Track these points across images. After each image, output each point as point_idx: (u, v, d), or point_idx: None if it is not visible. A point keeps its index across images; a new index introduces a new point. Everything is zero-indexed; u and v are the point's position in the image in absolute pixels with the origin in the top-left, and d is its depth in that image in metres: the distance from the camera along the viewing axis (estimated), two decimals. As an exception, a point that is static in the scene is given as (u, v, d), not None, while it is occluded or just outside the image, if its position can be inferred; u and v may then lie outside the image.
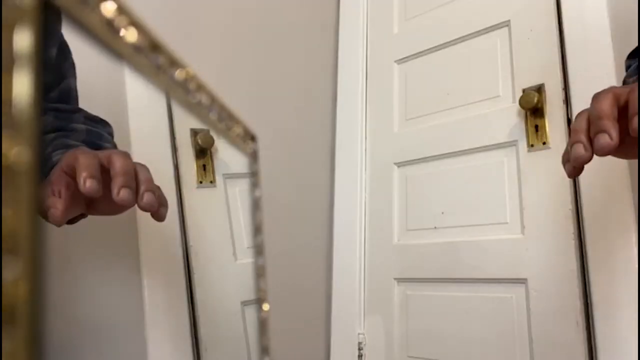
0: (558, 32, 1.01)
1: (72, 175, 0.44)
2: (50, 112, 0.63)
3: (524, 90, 1.03)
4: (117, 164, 0.43)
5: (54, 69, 0.66)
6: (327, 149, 1.38)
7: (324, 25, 1.42)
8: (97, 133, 0.65)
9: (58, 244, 0.85)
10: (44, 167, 0.49)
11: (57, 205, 0.43)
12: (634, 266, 0.86)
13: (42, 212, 0.42)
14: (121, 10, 0.21)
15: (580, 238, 0.94)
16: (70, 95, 0.68)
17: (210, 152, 1.08)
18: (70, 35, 0.64)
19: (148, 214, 0.50)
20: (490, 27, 1.12)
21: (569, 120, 0.97)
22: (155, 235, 0.97)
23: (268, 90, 1.25)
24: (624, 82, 0.70)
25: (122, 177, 0.43)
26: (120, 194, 0.42)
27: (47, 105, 0.62)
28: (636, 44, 0.68)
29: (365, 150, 1.32)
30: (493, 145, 1.08)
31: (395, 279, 1.22)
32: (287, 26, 1.32)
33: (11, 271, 0.13)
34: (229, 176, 1.11)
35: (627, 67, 0.70)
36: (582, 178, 0.92)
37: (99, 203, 0.49)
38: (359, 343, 1.24)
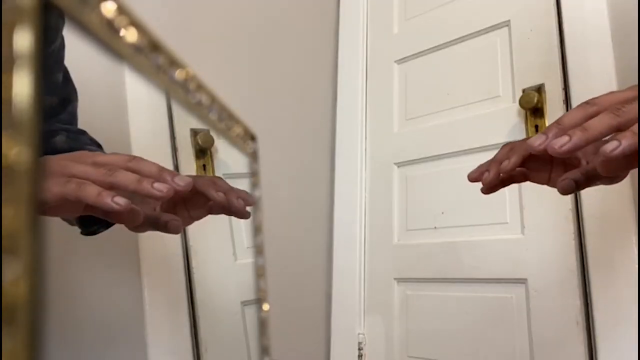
0: (558, 32, 1.01)
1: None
2: (63, 133, 0.66)
3: (524, 90, 1.03)
4: (224, 185, 0.58)
5: (61, 93, 0.69)
6: (327, 149, 1.38)
7: (324, 25, 1.42)
8: None
9: (58, 244, 0.85)
10: None
11: (176, 217, 0.54)
12: (634, 266, 0.86)
13: (159, 227, 0.53)
14: (121, 10, 0.21)
15: (580, 238, 0.94)
16: (75, 118, 0.72)
17: (210, 152, 1.08)
18: (70, 35, 0.65)
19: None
20: (490, 27, 1.12)
21: (569, 120, 0.97)
22: (155, 235, 0.97)
23: (268, 90, 1.25)
24: None
25: (234, 192, 0.57)
26: (238, 202, 0.56)
27: (58, 126, 0.67)
28: (636, 44, 0.68)
29: (365, 150, 1.32)
30: (493, 145, 1.08)
31: (395, 279, 1.22)
32: (287, 26, 1.32)
33: (11, 271, 0.13)
34: (229, 176, 1.10)
35: None
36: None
37: (182, 212, 0.60)
38: (359, 343, 1.24)
